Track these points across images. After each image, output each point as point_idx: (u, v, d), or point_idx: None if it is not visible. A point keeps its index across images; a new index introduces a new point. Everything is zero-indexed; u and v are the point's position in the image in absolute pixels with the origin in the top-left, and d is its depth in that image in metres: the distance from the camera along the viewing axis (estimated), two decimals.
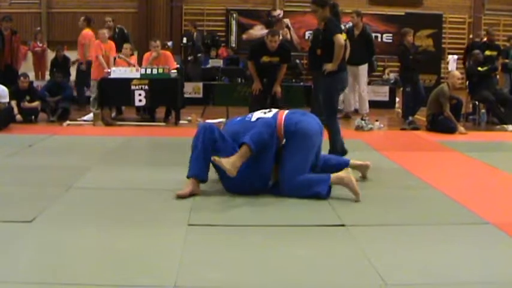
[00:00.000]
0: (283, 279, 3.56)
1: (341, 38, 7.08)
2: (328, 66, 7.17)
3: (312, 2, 7.37)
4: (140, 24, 17.62)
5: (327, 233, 4.53)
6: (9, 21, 13.31)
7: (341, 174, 5.47)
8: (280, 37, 9.90)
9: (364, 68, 12.37)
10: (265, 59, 9.74)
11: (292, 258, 3.90)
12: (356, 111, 12.63)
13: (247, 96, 10.64)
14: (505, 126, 11.38)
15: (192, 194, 5.36)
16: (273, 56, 9.76)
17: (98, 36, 12.26)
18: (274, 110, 5.74)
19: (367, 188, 5.82)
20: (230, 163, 5.17)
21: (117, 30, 13.52)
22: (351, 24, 12.66)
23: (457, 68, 16.24)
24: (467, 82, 12.46)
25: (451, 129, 10.36)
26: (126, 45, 12.29)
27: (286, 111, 5.69)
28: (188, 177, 5.45)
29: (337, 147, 7.21)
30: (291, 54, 10.94)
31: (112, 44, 12.35)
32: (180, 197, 5.31)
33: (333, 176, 5.47)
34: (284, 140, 5.52)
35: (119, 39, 13.11)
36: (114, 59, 12.01)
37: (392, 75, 13.78)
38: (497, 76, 13.03)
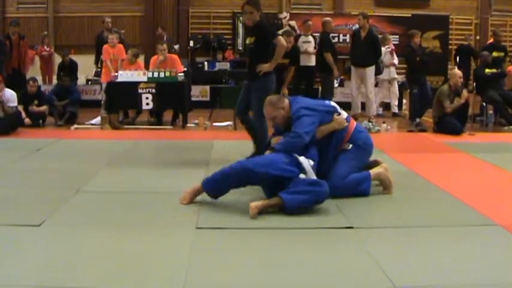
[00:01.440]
0: (291, 282, 3.56)
1: (283, 40, 7.06)
2: (264, 67, 7.11)
3: (248, 3, 7.36)
4: (147, 27, 17.63)
5: (335, 235, 4.53)
6: (16, 25, 13.37)
7: (378, 169, 5.82)
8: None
9: (371, 70, 12.34)
10: None
11: (300, 261, 3.90)
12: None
13: None
14: None
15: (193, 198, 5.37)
16: (284, 58, 9.76)
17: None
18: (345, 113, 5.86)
19: (375, 190, 5.81)
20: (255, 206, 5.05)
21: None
22: (357, 26, 12.65)
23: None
24: (474, 83, 12.42)
25: (457, 131, 10.34)
26: (130, 51, 12.30)
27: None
28: (204, 188, 5.37)
29: (262, 147, 7.03)
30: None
31: (121, 47, 12.39)
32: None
33: (372, 172, 5.77)
34: (350, 146, 5.73)
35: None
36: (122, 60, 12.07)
37: (399, 77, 13.74)
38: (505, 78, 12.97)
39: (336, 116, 5.69)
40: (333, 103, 5.95)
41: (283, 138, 5.43)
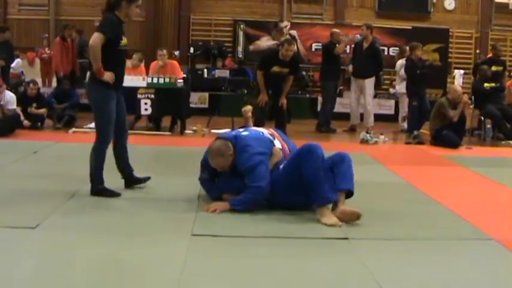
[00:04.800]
0: None
1: (96, 37, 5.57)
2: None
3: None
4: (148, 33, 17.65)
5: (330, 246, 4.53)
6: (72, 28, 13.37)
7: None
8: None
9: (370, 82, 12.38)
10: (275, 69, 9.76)
11: (294, 271, 3.90)
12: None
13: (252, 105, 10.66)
14: (510, 142, 11.37)
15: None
16: (284, 67, 9.78)
17: None
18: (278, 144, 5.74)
19: (371, 201, 5.80)
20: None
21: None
22: (358, 36, 12.69)
23: (463, 83, 16.26)
24: (473, 97, 12.45)
25: (455, 144, 10.35)
26: (135, 56, 12.32)
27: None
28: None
29: None
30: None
31: None
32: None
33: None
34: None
35: None
36: None
37: (397, 88, 13.76)
38: (504, 92, 13.00)
39: (273, 150, 5.56)
40: (267, 133, 5.76)
41: (242, 193, 5.28)
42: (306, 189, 5.14)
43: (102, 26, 5.66)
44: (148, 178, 6.23)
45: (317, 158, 5.12)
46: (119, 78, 5.81)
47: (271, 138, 5.71)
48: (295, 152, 5.44)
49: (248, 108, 6.65)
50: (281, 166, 5.43)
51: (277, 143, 5.70)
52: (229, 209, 5.23)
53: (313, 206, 5.17)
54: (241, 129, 5.87)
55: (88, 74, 6.04)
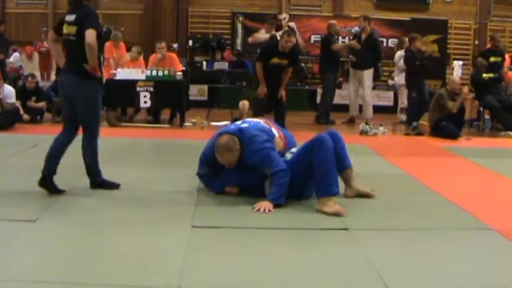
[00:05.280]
0: (285, 282, 3.57)
1: (93, 33, 5.38)
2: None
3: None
4: (146, 26, 17.64)
5: (330, 236, 4.54)
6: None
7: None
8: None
9: (368, 73, 12.38)
10: (275, 60, 9.75)
11: (295, 262, 3.91)
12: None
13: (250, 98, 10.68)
14: (509, 132, 11.38)
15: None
16: (283, 58, 9.77)
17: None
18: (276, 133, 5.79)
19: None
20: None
21: (104, 29, 13.44)
22: (357, 28, 12.67)
23: (462, 74, 16.25)
24: (472, 88, 12.45)
25: (454, 135, 10.36)
26: (134, 48, 12.32)
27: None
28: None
29: None
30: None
31: (123, 46, 12.44)
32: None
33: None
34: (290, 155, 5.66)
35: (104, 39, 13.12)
36: None
37: (396, 80, 13.75)
38: (503, 82, 13.00)
39: (275, 139, 5.63)
40: (263, 123, 5.79)
41: (273, 184, 5.24)
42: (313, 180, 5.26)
43: (94, 22, 5.48)
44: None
45: (327, 150, 5.19)
46: (101, 72, 5.73)
47: (269, 127, 5.74)
48: (306, 143, 5.44)
49: (246, 103, 6.66)
50: (288, 155, 5.52)
51: (275, 132, 5.74)
52: (273, 205, 5.13)
53: (316, 195, 5.23)
54: (239, 122, 5.86)
55: (65, 68, 5.70)
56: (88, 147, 5.72)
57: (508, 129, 11.58)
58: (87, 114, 5.65)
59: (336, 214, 4.99)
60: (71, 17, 5.50)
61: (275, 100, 9.91)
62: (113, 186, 5.78)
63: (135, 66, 11.69)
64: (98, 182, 5.75)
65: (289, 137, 5.96)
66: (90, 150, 5.71)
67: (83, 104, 5.61)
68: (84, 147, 5.74)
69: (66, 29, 5.54)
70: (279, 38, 11.70)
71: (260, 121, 5.84)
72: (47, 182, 5.53)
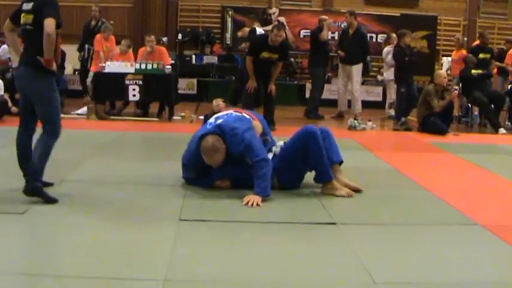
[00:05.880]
0: (272, 276, 3.58)
1: (52, 23, 4.90)
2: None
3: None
4: (136, 19, 17.58)
5: (318, 230, 4.56)
6: None
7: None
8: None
9: (357, 68, 12.42)
10: (265, 54, 9.76)
11: (282, 255, 3.93)
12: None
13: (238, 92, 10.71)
14: (500, 130, 11.42)
15: None
16: (273, 52, 9.78)
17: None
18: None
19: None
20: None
21: (99, 23, 13.42)
22: (345, 23, 12.70)
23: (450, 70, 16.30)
24: (460, 84, 12.50)
25: (442, 131, 10.41)
26: (124, 42, 12.30)
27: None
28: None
29: None
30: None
31: (113, 39, 12.42)
32: None
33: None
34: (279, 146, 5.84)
35: (97, 33, 13.11)
36: None
37: (385, 75, 13.78)
38: (491, 79, 13.06)
39: (253, 123, 5.73)
40: (238, 113, 5.87)
41: (256, 176, 5.27)
42: (308, 168, 5.66)
43: (53, 10, 4.98)
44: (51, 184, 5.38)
45: (319, 139, 5.49)
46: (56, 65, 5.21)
47: (241, 114, 5.81)
48: (297, 134, 5.62)
49: (220, 101, 6.73)
50: (275, 149, 5.72)
51: (249, 117, 5.82)
52: (262, 199, 5.16)
53: (319, 182, 5.63)
54: (212, 120, 5.80)
55: (20, 59, 5.20)
56: (41, 145, 5.06)
57: (495, 127, 11.58)
58: (44, 110, 5.10)
59: (349, 195, 5.50)
60: (28, 5, 5.03)
61: (265, 94, 9.93)
62: (50, 200, 4.93)
63: (125, 59, 11.66)
64: (36, 187, 4.95)
65: (262, 119, 6.11)
66: (42, 148, 5.05)
67: (37, 99, 5.09)
68: (37, 143, 5.08)
69: (23, 18, 5.06)
70: (258, 32, 11.78)
71: (231, 111, 5.89)
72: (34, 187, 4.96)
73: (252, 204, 5.06)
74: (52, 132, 5.08)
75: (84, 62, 13.16)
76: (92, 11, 13.66)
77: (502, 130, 11.34)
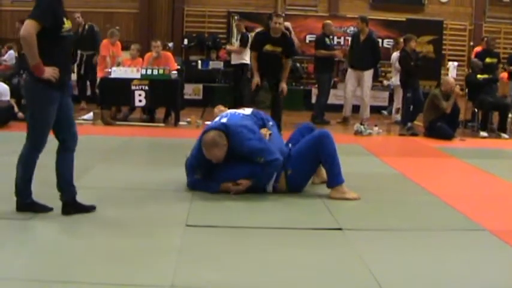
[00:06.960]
0: (279, 281, 3.58)
1: (29, 25, 4.51)
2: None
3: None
4: (142, 25, 17.63)
5: (324, 236, 4.55)
6: None
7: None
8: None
9: (369, 74, 12.40)
10: (268, 47, 9.71)
11: (288, 261, 3.92)
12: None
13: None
14: (502, 134, 11.38)
15: None
16: (276, 45, 9.72)
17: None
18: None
19: (365, 192, 5.82)
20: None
21: (86, 27, 13.42)
22: (353, 29, 12.68)
23: (457, 75, 16.26)
24: (466, 89, 12.47)
25: (448, 136, 10.39)
26: (134, 46, 12.32)
27: None
28: None
29: None
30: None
31: (119, 45, 12.44)
32: None
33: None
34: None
35: (88, 37, 13.12)
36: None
37: (392, 80, 13.77)
38: (498, 84, 13.01)
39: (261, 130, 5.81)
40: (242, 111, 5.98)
41: (264, 172, 5.52)
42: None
43: (38, 11, 4.60)
44: (94, 207, 4.94)
45: (333, 142, 5.61)
46: (64, 73, 4.65)
47: (246, 113, 5.89)
48: (310, 138, 5.73)
49: (221, 107, 6.78)
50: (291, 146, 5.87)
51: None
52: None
53: (332, 186, 5.65)
54: (217, 118, 5.85)
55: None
56: (24, 159, 4.77)
57: (499, 130, 11.54)
58: (28, 120, 4.73)
59: (356, 198, 5.58)
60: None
61: (273, 97, 9.87)
62: (45, 209, 4.79)
63: (136, 65, 11.67)
64: (27, 204, 4.76)
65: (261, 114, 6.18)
66: (22, 163, 4.77)
67: (28, 107, 4.78)
68: (19, 156, 4.79)
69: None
70: (250, 36, 11.76)
71: (236, 111, 5.94)
72: (69, 203, 4.84)
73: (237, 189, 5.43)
74: (33, 145, 4.73)
75: (77, 68, 13.19)
76: (75, 18, 13.50)
77: (505, 135, 11.32)
